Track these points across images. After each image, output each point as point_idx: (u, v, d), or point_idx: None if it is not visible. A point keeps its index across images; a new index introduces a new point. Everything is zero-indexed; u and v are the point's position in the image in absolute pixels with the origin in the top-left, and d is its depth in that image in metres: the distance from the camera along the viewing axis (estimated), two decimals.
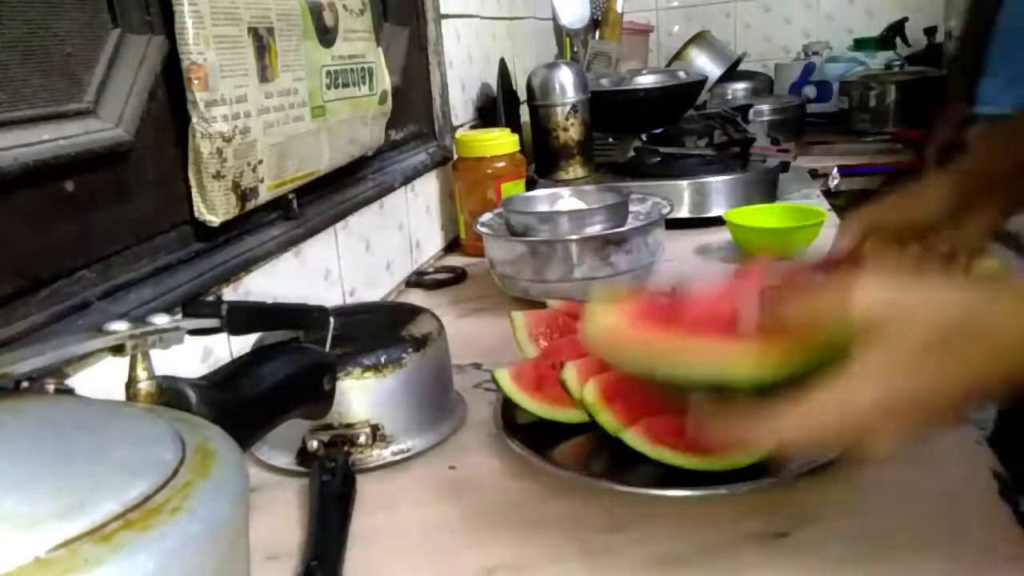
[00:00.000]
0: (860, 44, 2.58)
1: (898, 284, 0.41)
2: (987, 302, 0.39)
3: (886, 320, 0.39)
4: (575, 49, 2.09)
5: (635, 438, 0.60)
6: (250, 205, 0.75)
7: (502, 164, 1.25)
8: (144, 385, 0.42)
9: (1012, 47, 1.47)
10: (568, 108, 1.41)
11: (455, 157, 1.29)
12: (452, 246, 1.35)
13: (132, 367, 0.42)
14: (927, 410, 0.40)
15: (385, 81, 1.04)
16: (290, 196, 0.85)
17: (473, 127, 1.49)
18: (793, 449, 0.43)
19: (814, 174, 1.81)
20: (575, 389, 0.64)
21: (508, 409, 0.69)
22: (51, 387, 0.38)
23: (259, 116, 0.74)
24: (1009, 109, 1.33)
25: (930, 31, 2.50)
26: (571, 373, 0.65)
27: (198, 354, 0.69)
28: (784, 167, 1.43)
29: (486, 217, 1.12)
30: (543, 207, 1.10)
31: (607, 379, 0.64)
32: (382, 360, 0.66)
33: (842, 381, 0.40)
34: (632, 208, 1.10)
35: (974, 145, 0.61)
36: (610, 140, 1.67)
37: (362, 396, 0.66)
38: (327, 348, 0.62)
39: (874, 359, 0.39)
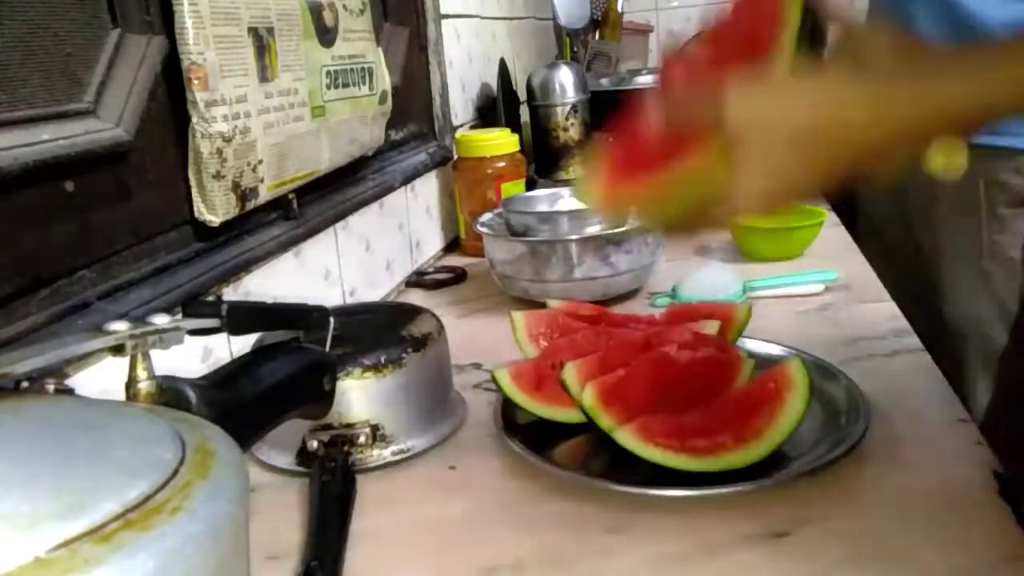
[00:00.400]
0: None
1: (757, 90, 0.47)
2: (836, 101, 0.45)
3: (753, 125, 0.45)
4: (575, 49, 2.09)
5: (627, 437, 0.60)
6: (250, 205, 0.75)
7: (502, 164, 1.25)
8: (144, 385, 0.42)
9: None
10: (568, 108, 1.41)
11: (455, 157, 1.29)
12: (452, 246, 1.35)
13: (132, 367, 0.42)
14: (801, 195, 0.48)
15: (385, 81, 1.04)
16: (290, 196, 0.85)
17: (473, 127, 1.49)
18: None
19: None
20: (575, 390, 0.64)
21: (508, 409, 0.69)
22: (51, 387, 0.38)
23: (259, 116, 0.74)
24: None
25: None
26: (571, 374, 0.65)
27: (198, 354, 0.69)
28: None
29: (486, 217, 1.12)
30: (543, 207, 1.10)
31: (606, 381, 0.64)
32: (382, 360, 0.66)
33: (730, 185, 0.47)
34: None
35: None
36: (610, 140, 1.67)
37: (362, 396, 0.66)
38: (327, 348, 0.62)
39: (746, 163, 0.46)
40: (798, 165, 0.46)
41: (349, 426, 0.66)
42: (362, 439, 0.65)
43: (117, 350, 0.41)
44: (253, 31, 0.73)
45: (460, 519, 0.59)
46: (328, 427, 0.65)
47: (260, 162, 0.75)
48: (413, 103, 1.25)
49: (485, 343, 0.91)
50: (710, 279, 0.98)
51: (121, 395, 0.43)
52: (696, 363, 0.68)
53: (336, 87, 0.90)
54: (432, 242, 1.29)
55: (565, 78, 1.41)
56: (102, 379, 0.56)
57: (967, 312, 1.16)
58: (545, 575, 0.53)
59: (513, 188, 1.25)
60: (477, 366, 0.85)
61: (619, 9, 2.28)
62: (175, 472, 0.29)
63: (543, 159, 1.46)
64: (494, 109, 1.55)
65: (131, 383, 0.42)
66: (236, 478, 0.31)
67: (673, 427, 0.60)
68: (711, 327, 0.75)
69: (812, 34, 0.49)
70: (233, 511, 0.30)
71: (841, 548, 0.52)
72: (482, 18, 1.59)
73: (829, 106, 0.45)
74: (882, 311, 0.90)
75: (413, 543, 0.57)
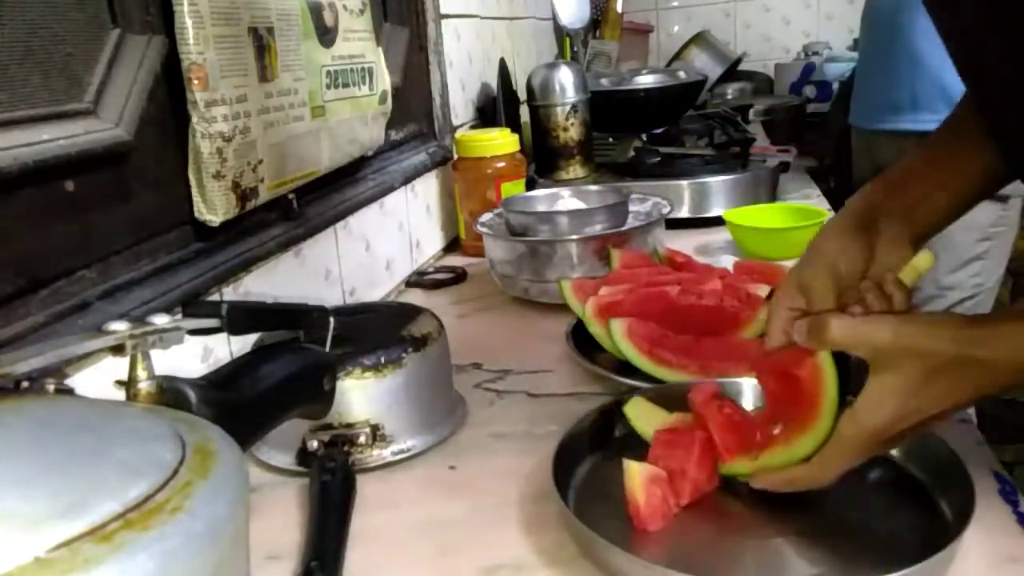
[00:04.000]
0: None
1: (898, 321, 0.49)
2: (973, 336, 0.47)
3: (895, 351, 0.48)
4: (575, 49, 2.09)
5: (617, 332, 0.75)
6: (250, 205, 0.75)
7: (502, 164, 1.25)
8: (144, 385, 0.42)
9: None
10: (568, 108, 1.41)
11: (455, 157, 1.29)
12: (452, 246, 1.35)
13: (132, 367, 0.42)
14: (930, 422, 0.50)
15: (385, 81, 1.04)
16: (290, 196, 0.85)
17: (473, 127, 1.49)
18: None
19: (814, 174, 1.82)
20: (576, 306, 0.83)
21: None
22: (51, 387, 0.38)
23: (259, 116, 0.74)
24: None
25: None
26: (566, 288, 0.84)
27: (198, 354, 0.69)
28: (784, 167, 1.44)
29: (486, 217, 1.12)
30: (543, 207, 1.10)
31: (603, 298, 0.83)
32: (382, 360, 0.66)
33: (852, 412, 0.50)
34: (632, 208, 1.10)
35: (854, 198, 0.62)
36: (610, 140, 1.67)
37: (362, 396, 0.66)
38: (327, 348, 0.62)
39: (889, 382, 0.48)
40: (938, 390, 0.48)
41: (349, 426, 0.66)
42: (362, 439, 0.65)
43: (117, 350, 0.41)
44: (253, 31, 0.73)
45: (460, 519, 0.59)
46: (328, 427, 0.65)
47: (260, 162, 0.75)
48: (413, 103, 1.25)
49: (485, 343, 0.91)
50: None
51: (121, 395, 0.43)
52: (697, 308, 0.78)
53: (336, 87, 0.90)
54: (432, 242, 1.29)
55: (565, 78, 1.41)
56: (102, 379, 0.56)
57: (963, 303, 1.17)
58: (545, 575, 0.53)
59: (513, 188, 1.25)
60: (477, 366, 0.85)
61: (619, 9, 2.28)
62: (175, 472, 0.29)
63: (543, 159, 1.46)
64: (494, 109, 1.55)
65: (131, 383, 0.42)
66: (236, 478, 0.31)
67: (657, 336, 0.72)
68: (762, 290, 0.83)
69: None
70: (233, 511, 0.30)
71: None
72: (482, 18, 1.59)
73: (971, 334, 0.47)
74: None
75: (413, 543, 0.57)
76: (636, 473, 0.54)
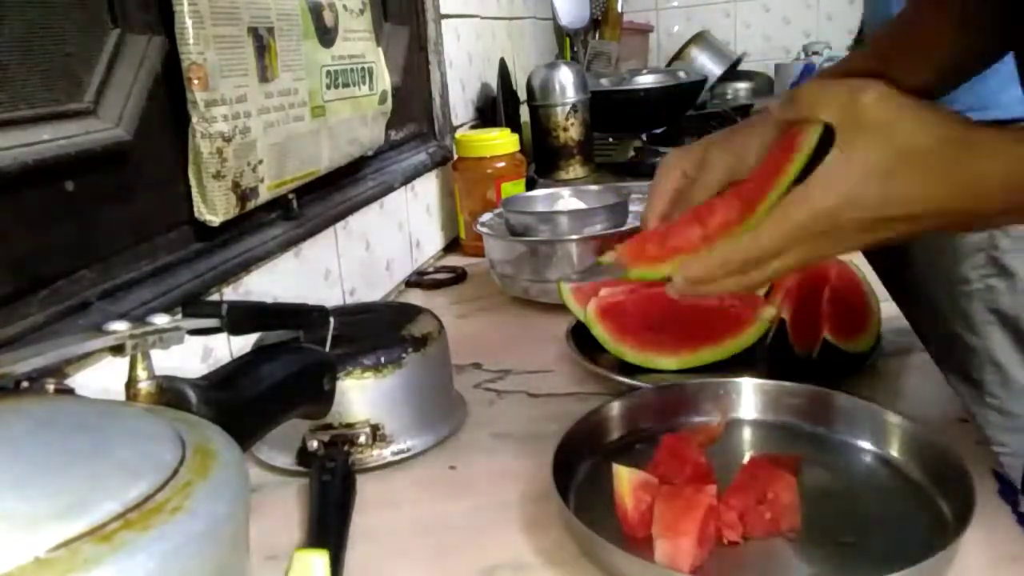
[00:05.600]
0: (860, 44, 2.58)
1: (885, 88, 0.43)
2: (968, 136, 0.41)
3: (870, 121, 0.42)
4: (575, 49, 2.09)
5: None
6: (250, 205, 0.75)
7: (502, 164, 1.25)
8: (144, 385, 0.42)
9: None
10: (568, 108, 1.41)
11: (455, 157, 1.29)
12: (452, 246, 1.35)
13: (132, 367, 0.42)
14: (886, 228, 0.44)
15: (385, 81, 1.04)
16: (290, 196, 0.85)
17: (473, 127, 1.49)
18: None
19: None
20: (574, 307, 0.84)
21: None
22: (51, 387, 0.38)
23: (259, 116, 0.74)
24: None
25: None
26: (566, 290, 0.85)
27: (198, 354, 0.69)
28: None
29: (486, 217, 1.12)
30: (543, 207, 1.10)
31: (605, 299, 0.82)
32: (382, 360, 0.66)
33: (816, 181, 0.44)
34: (632, 208, 1.10)
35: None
36: (610, 140, 1.67)
37: (362, 396, 0.66)
38: (327, 348, 0.62)
39: (852, 158, 0.42)
40: (861, 238, 0.45)
41: (349, 426, 0.66)
42: (362, 439, 0.65)
43: (117, 350, 0.41)
44: (253, 31, 0.73)
45: (460, 519, 0.59)
46: (328, 427, 0.65)
47: (260, 162, 0.75)
48: (413, 103, 1.25)
49: (485, 343, 0.91)
50: None
51: (121, 395, 0.43)
52: (698, 309, 0.78)
53: (336, 87, 0.90)
54: (432, 242, 1.29)
55: (565, 78, 1.41)
56: (102, 379, 0.56)
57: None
58: (545, 575, 0.53)
59: (513, 188, 1.25)
60: (477, 366, 0.85)
61: (619, 9, 2.28)
62: (175, 472, 0.29)
63: (543, 159, 1.46)
64: (494, 109, 1.55)
65: (131, 383, 0.42)
66: (236, 478, 0.31)
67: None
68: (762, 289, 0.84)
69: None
70: (233, 511, 0.30)
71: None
72: (482, 18, 1.59)
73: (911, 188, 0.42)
74: (883, 310, 0.90)
75: (413, 543, 0.57)
76: (625, 479, 0.54)
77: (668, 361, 0.78)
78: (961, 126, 0.42)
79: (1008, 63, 0.59)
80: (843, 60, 0.58)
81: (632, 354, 0.79)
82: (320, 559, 0.39)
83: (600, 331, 0.81)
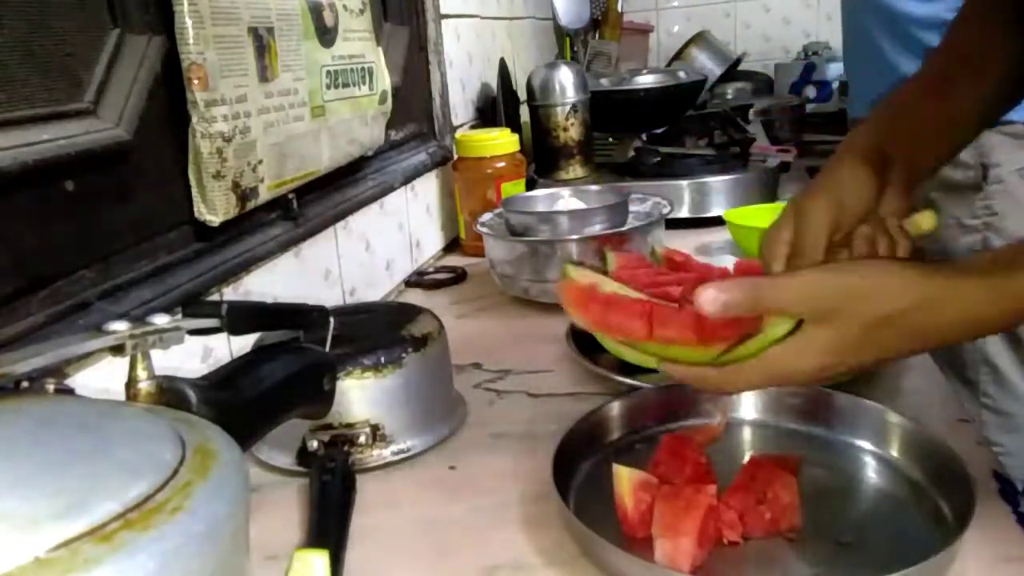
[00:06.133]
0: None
1: (846, 276, 0.46)
2: (927, 295, 0.45)
3: (837, 309, 0.45)
4: (575, 49, 2.09)
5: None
6: (250, 205, 0.75)
7: (502, 164, 1.25)
8: (144, 385, 0.42)
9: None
10: (568, 108, 1.41)
11: (455, 157, 1.29)
12: (452, 246, 1.35)
13: (132, 367, 0.42)
14: (852, 372, 0.48)
15: (385, 81, 1.04)
16: (290, 196, 0.85)
17: (473, 127, 1.49)
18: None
19: (813, 173, 1.81)
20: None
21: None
22: (51, 387, 0.38)
23: (259, 116, 0.74)
24: None
25: None
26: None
27: (198, 354, 0.69)
28: (784, 167, 1.44)
29: (486, 217, 1.12)
30: (543, 207, 1.10)
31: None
32: (382, 360, 0.66)
33: (782, 348, 0.46)
34: (632, 208, 1.10)
35: (859, 131, 0.60)
36: (610, 140, 1.67)
37: (362, 396, 0.66)
38: (327, 348, 0.62)
39: (820, 337, 0.45)
40: (869, 347, 0.46)
41: (349, 426, 0.66)
42: (362, 439, 0.65)
43: (117, 350, 0.41)
44: (253, 31, 0.73)
45: (460, 519, 0.59)
46: (328, 427, 0.65)
47: (260, 162, 0.75)
48: (413, 103, 1.25)
49: (485, 343, 0.91)
50: None
51: (121, 395, 0.43)
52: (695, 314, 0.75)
53: (336, 87, 0.90)
54: (432, 242, 1.29)
55: (565, 78, 1.41)
56: (102, 379, 0.56)
57: None
58: (545, 575, 0.53)
59: (513, 188, 1.25)
60: (477, 366, 0.85)
61: (619, 9, 2.28)
62: (175, 472, 0.29)
63: (543, 159, 1.46)
64: (494, 109, 1.55)
65: (131, 383, 0.42)
66: (236, 478, 0.31)
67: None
68: None
69: None
70: (233, 511, 0.30)
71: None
72: (482, 18, 1.59)
73: (911, 296, 0.45)
74: None
75: (413, 543, 0.57)
76: (625, 479, 0.54)
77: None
78: (922, 281, 0.45)
79: None
80: (866, 129, 0.58)
81: (632, 355, 0.79)
82: (320, 559, 0.39)
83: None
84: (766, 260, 0.56)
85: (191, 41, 0.65)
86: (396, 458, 0.67)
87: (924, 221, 0.57)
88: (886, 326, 0.45)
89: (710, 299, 0.45)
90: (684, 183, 1.33)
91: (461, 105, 1.44)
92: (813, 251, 0.54)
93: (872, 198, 0.56)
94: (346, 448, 0.65)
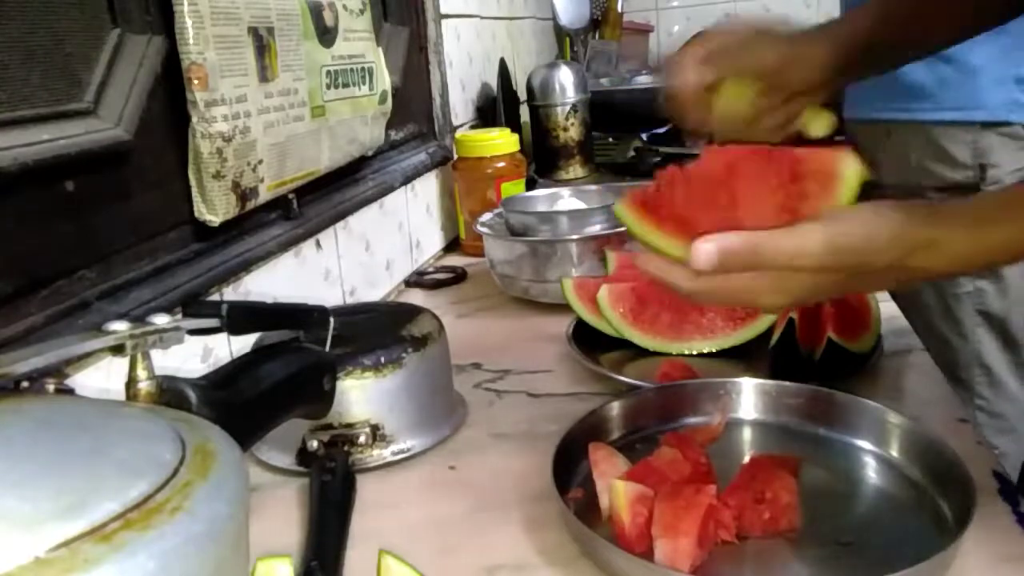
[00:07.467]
0: None
1: (839, 235, 0.46)
2: (904, 245, 0.46)
3: (825, 264, 0.46)
4: (575, 49, 2.09)
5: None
6: (250, 205, 0.75)
7: (502, 164, 1.25)
8: (144, 385, 0.42)
9: None
10: (568, 108, 1.41)
11: (455, 157, 1.29)
12: (452, 246, 1.35)
13: (132, 367, 0.42)
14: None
15: (385, 81, 1.04)
16: (290, 196, 0.85)
17: (473, 127, 1.49)
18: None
19: None
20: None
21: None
22: (51, 387, 0.38)
23: (259, 116, 0.74)
24: None
25: None
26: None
27: (198, 354, 0.69)
28: None
29: (486, 217, 1.12)
30: (543, 207, 1.10)
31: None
32: (382, 360, 0.66)
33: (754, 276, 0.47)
34: None
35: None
36: (610, 140, 1.67)
37: (362, 396, 0.66)
38: (327, 348, 0.62)
39: (799, 278, 0.47)
40: (826, 284, 0.48)
41: (349, 426, 0.66)
42: (362, 439, 0.65)
43: (117, 350, 0.41)
44: (253, 31, 0.73)
45: (460, 519, 0.59)
46: (328, 427, 0.65)
47: (260, 162, 0.75)
48: (413, 103, 1.25)
49: (485, 343, 0.91)
50: None
51: (121, 395, 0.43)
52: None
53: (336, 87, 0.90)
54: (432, 242, 1.29)
55: (565, 78, 1.41)
56: (102, 379, 0.56)
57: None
58: (545, 575, 0.53)
59: (513, 188, 1.25)
60: (477, 366, 0.85)
61: (619, 9, 2.28)
62: (175, 472, 0.29)
63: (543, 159, 1.46)
64: (494, 109, 1.55)
65: (131, 383, 0.42)
66: (236, 478, 0.31)
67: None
68: None
69: None
70: (233, 511, 0.30)
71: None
72: (482, 18, 1.59)
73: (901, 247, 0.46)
74: (881, 310, 0.90)
75: (413, 543, 0.57)
76: (622, 493, 0.53)
77: (678, 346, 0.80)
78: (907, 229, 0.47)
79: (995, 65, 0.61)
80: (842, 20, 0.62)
81: (645, 338, 0.81)
82: (284, 566, 0.39)
83: (612, 315, 0.82)
84: (680, 67, 0.58)
85: (191, 41, 0.65)
86: (396, 458, 0.67)
87: (817, 124, 0.59)
88: (872, 272, 0.47)
89: (706, 251, 0.46)
90: None
91: (461, 105, 1.44)
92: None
93: (776, 59, 0.60)
94: (346, 448, 0.65)
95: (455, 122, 1.39)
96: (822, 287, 0.48)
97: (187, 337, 0.45)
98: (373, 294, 1.05)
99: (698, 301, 0.51)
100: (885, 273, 0.47)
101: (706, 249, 0.46)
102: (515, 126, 1.51)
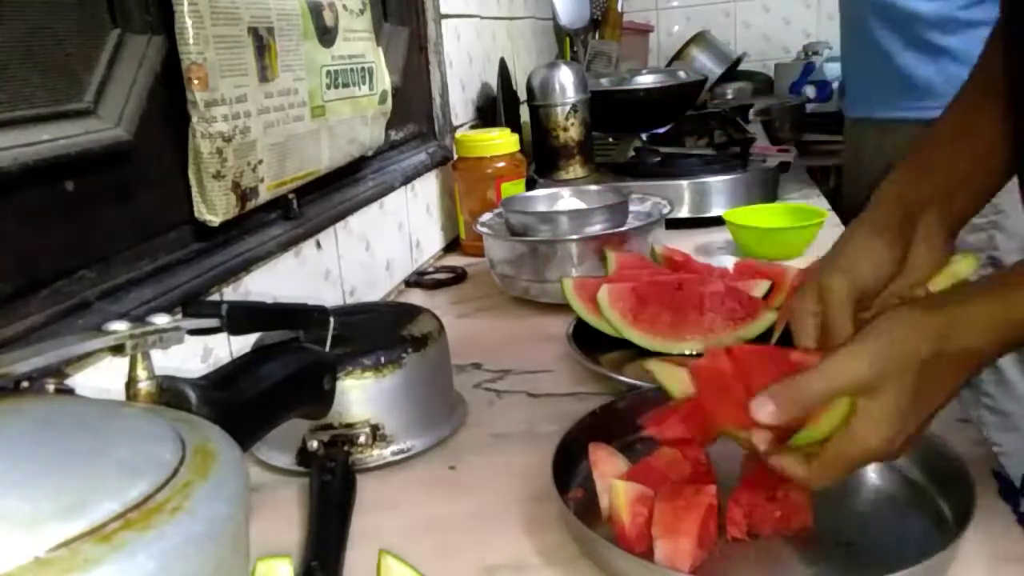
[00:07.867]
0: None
1: (870, 344, 0.47)
2: (940, 331, 0.46)
3: (875, 379, 0.45)
4: (575, 49, 2.09)
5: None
6: (250, 205, 0.75)
7: (502, 164, 1.25)
8: (144, 385, 0.42)
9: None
10: (568, 108, 1.41)
11: (455, 157, 1.29)
12: (452, 246, 1.35)
13: (132, 367, 0.42)
14: (927, 423, 0.49)
15: (385, 81, 1.04)
16: (290, 196, 0.85)
17: (473, 127, 1.49)
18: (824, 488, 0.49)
19: (813, 174, 1.81)
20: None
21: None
22: (51, 387, 0.38)
23: (259, 116, 0.74)
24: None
25: None
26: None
27: (198, 354, 0.69)
28: (784, 167, 1.43)
29: (486, 217, 1.12)
30: (543, 207, 1.10)
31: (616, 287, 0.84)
32: (382, 360, 0.66)
33: (848, 433, 0.46)
34: (632, 208, 1.10)
35: (883, 188, 0.59)
36: (610, 140, 1.67)
37: (362, 396, 0.66)
38: (327, 348, 0.62)
39: (877, 410, 0.46)
40: (926, 397, 0.47)
41: (349, 426, 0.66)
42: (362, 439, 0.65)
43: (117, 350, 0.41)
44: (253, 31, 0.73)
45: (460, 519, 0.59)
46: (328, 427, 0.65)
47: (260, 162, 0.75)
48: (413, 103, 1.25)
49: (485, 343, 0.91)
50: None
51: (121, 395, 0.43)
52: (706, 298, 0.82)
53: (336, 87, 0.90)
54: (432, 242, 1.29)
55: (565, 78, 1.41)
56: (102, 379, 0.56)
57: None
58: (545, 575, 0.53)
59: (513, 188, 1.25)
60: (477, 366, 0.85)
61: (619, 9, 2.28)
62: (175, 472, 0.29)
63: (543, 159, 1.46)
64: (494, 109, 1.55)
65: (131, 383, 0.42)
66: (236, 478, 0.31)
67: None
68: (760, 287, 0.86)
69: None
70: (233, 511, 0.30)
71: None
72: (482, 18, 1.59)
73: (942, 332, 0.46)
74: None
75: (413, 543, 0.57)
76: (622, 493, 0.53)
77: (679, 346, 0.80)
78: (932, 316, 0.46)
79: None
80: (890, 183, 0.58)
81: (645, 338, 0.81)
82: (285, 565, 0.39)
83: (612, 315, 0.82)
84: (797, 336, 0.56)
85: (191, 41, 0.65)
86: (396, 458, 0.67)
87: (962, 267, 0.57)
88: (922, 373, 0.46)
89: (767, 413, 0.47)
90: (684, 183, 1.33)
91: (461, 105, 1.44)
92: (841, 330, 0.54)
93: (891, 266, 0.56)
94: (346, 448, 0.65)
95: (455, 122, 1.39)
96: (903, 402, 0.46)
97: (187, 337, 0.45)
98: (373, 294, 1.05)
99: (824, 482, 0.48)
100: (935, 364, 0.46)
101: (759, 400, 0.47)
102: (515, 126, 1.51)
